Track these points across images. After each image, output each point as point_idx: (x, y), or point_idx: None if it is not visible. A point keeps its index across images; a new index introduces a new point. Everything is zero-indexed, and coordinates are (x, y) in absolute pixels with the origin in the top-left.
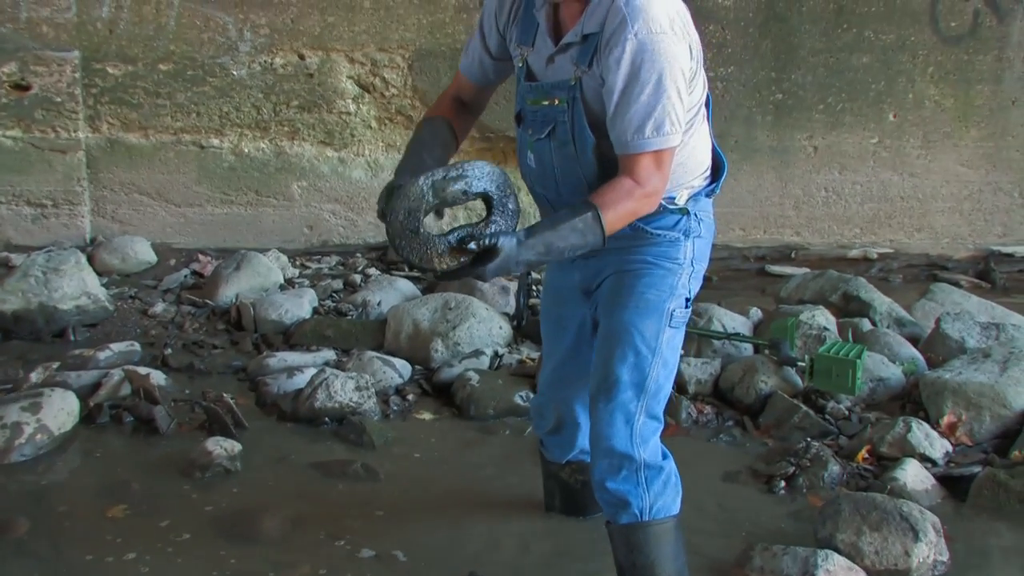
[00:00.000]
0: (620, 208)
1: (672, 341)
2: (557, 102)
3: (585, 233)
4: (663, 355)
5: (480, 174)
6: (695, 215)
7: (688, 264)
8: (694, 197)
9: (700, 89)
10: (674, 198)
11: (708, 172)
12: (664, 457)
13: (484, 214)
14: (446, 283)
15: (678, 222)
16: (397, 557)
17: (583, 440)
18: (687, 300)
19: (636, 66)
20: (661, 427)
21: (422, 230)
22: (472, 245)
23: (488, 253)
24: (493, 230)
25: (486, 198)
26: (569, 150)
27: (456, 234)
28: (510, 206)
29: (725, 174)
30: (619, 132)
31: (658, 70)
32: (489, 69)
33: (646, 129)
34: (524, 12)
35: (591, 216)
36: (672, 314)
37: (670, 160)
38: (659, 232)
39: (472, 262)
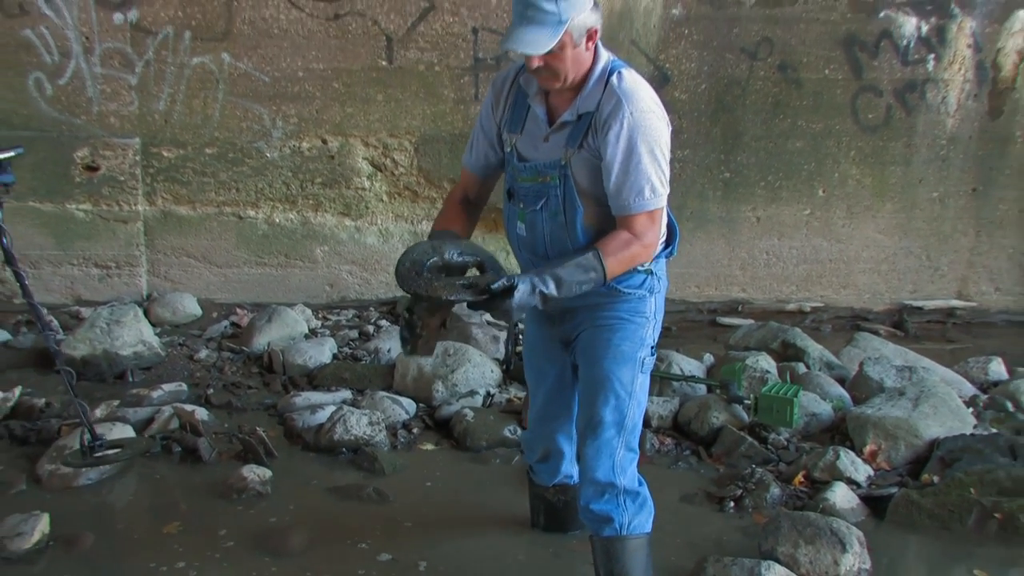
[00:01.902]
0: (620, 255)
1: (643, 384)
2: (549, 179)
3: (588, 270)
4: (637, 397)
5: (474, 248)
6: (656, 274)
7: (652, 317)
8: (656, 259)
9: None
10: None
11: (665, 238)
12: (640, 484)
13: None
14: (445, 334)
15: (644, 281)
16: (406, 562)
17: (567, 466)
18: (652, 348)
19: (633, 140)
20: (637, 457)
21: (425, 273)
22: (496, 285)
23: (506, 292)
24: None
25: (479, 264)
26: (560, 219)
27: (463, 281)
28: (500, 273)
29: (678, 238)
30: (621, 197)
31: (650, 143)
32: (492, 160)
33: (644, 192)
34: (515, 102)
35: (592, 256)
36: (643, 361)
37: (661, 216)
38: (629, 291)
39: (491, 300)
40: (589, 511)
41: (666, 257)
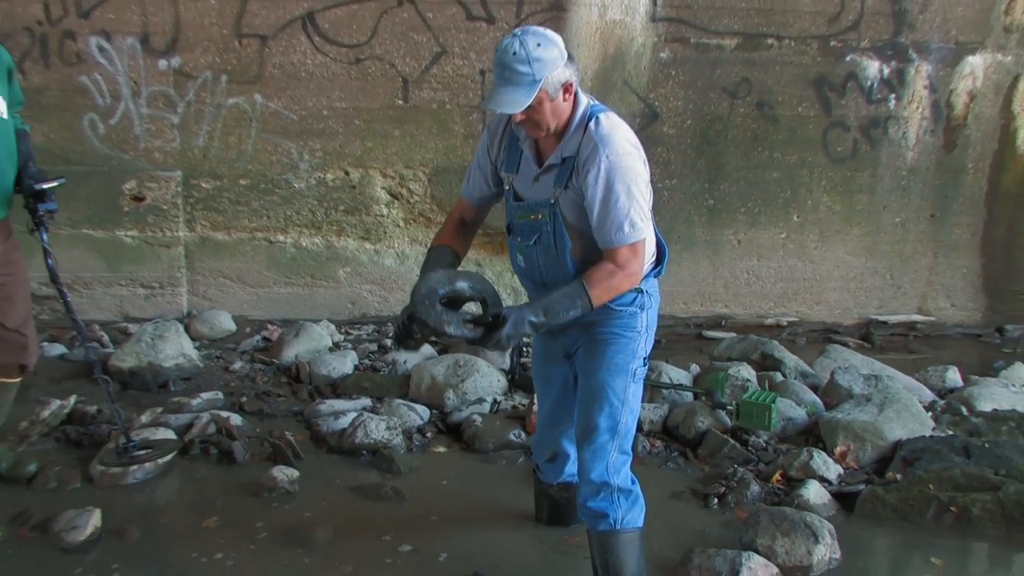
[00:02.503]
0: (604, 283)
1: (636, 393)
2: (541, 216)
3: (574, 298)
4: (630, 404)
5: (482, 283)
6: (646, 292)
7: (644, 331)
8: (645, 278)
9: (648, 195)
10: None
11: (655, 258)
12: (632, 483)
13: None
14: (457, 345)
15: (635, 299)
16: (426, 552)
17: (570, 466)
18: (645, 359)
19: (611, 181)
20: (630, 459)
21: (437, 306)
22: (490, 317)
23: (498, 321)
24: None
25: (483, 301)
26: (552, 252)
27: (465, 316)
28: (500, 308)
29: (667, 259)
30: (603, 232)
31: (627, 182)
32: (485, 191)
33: (624, 227)
34: (510, 145)
35: (577, 284)
36: (635, 372)
37: (643, 248)
38: (621, 308)
39: (486, 333)
40: (586, 508)
41: (655, 276)
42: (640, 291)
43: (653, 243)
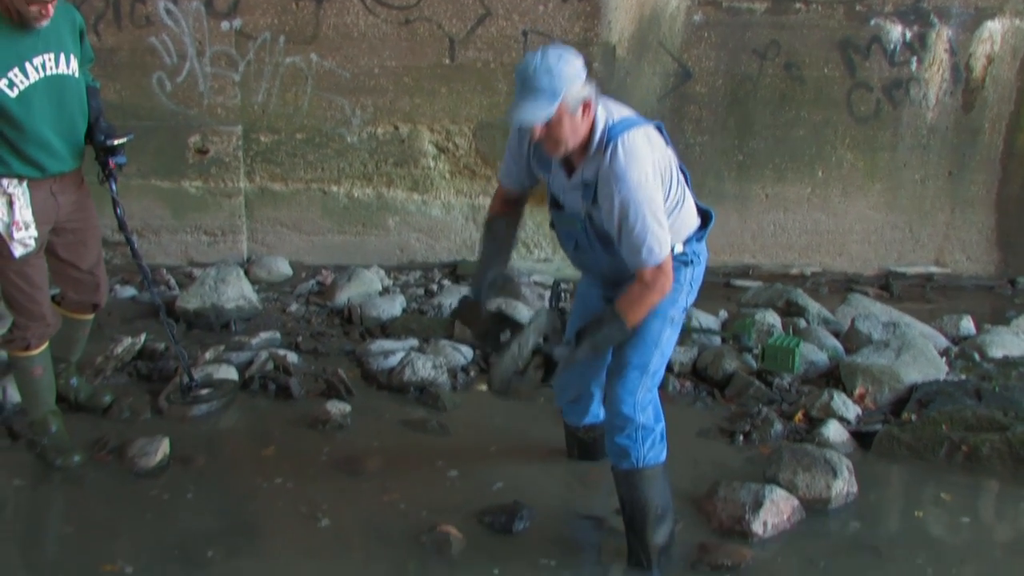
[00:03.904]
0: (636, 306)
1: (670, 338)
2: (577, 226)
3: (614, 329)
4: (661, 347)
5: (542, 320)
6: (689, 253)
7: (686, 284)
8: (687, 243)
9: (676, 185)
10: (673, 247)
11: (697, 226)
12: (657, 420)
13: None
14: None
15: (676, 258)
16: (472, 478)
17: (596, 408)
18: (684, 309)
19: (623, 214)
20: (655, 399)
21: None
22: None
23: (552, 363)
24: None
25: (545, 337)
26: (591, 255)
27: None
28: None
29: (712, 222)
30: (627, 255)
31: (641, 215)
32: (524, 182)
33: (642, 253)
34: (537, 148)
35: (615, 316)
36: (672, 318)
37: (668, 262)
38: None
39: (545, 376)
40: (612, 442)
41: (698, 240)
42: (682, 252)
43: (693, 215)
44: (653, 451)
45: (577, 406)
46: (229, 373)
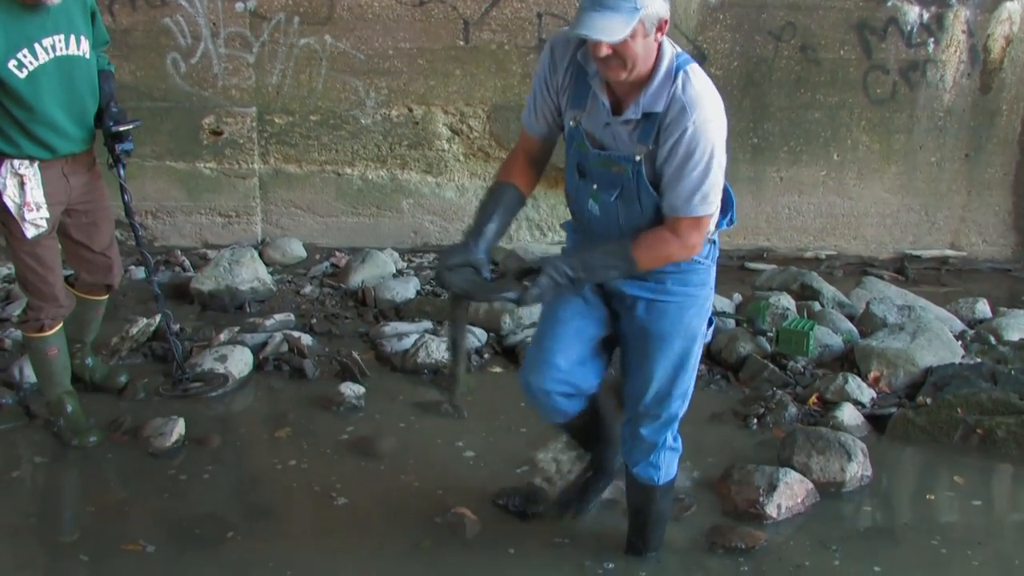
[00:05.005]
0: (655, 251)
1: (701, 347)
2: (623, 171)
3: (617, 259)
4: (695, 363)
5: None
6: (717, 243)
7: (712, 283)
8: (717, 228)
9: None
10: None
11: (721, 208)
12: (676, 439)
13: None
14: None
15: (708, 251)
16: (487, 458)
17: (576, 405)
18: (712, 317)
19: (691, 148)
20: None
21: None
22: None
23: (533, 273)
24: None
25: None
26: (635, 207)
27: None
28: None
29: (733, 208)
30: (671, 198)
31: (708, 152)
32: (553, 127)
33: (695, 199)
34: (578, 79)
35: (623, 246)
36: (704, 331)
37: (708, 223)
38: (697, 263)
39: (524, 288)
40: (637, 455)
41: (727, 226)
42: (712, 242)
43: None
44: (672, 467)
45: (568, 401)
46: (244, 354)
